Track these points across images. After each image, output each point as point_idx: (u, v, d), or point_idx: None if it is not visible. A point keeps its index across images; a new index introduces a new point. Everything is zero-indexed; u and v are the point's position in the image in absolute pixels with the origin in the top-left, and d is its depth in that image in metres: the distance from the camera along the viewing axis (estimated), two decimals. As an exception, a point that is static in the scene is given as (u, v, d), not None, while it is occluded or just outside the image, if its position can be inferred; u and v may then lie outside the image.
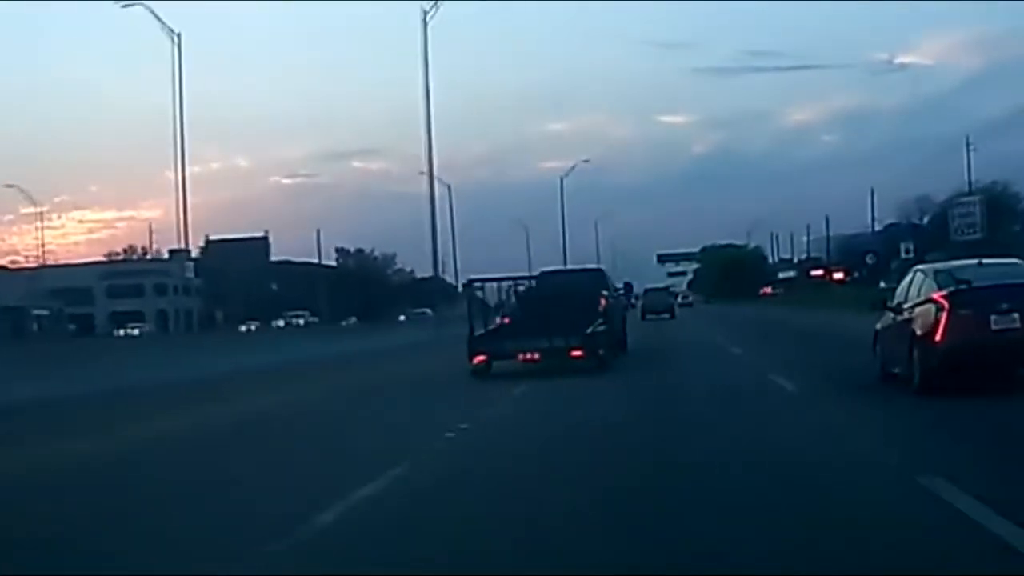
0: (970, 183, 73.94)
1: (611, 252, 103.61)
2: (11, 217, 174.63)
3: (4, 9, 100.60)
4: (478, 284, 23.77)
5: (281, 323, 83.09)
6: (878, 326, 14.31)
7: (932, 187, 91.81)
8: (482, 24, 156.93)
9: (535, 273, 28.97)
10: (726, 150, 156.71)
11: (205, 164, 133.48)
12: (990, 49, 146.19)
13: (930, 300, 11.97)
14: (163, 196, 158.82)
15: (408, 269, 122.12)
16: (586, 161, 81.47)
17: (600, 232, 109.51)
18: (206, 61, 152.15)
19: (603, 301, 21.29)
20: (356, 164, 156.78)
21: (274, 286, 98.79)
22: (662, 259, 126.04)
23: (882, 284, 78.83)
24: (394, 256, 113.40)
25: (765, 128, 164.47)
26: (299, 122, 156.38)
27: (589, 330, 19.21)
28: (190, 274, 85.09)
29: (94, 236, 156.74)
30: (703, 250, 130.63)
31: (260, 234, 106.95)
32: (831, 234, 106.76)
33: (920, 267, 13.92)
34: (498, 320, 22.50)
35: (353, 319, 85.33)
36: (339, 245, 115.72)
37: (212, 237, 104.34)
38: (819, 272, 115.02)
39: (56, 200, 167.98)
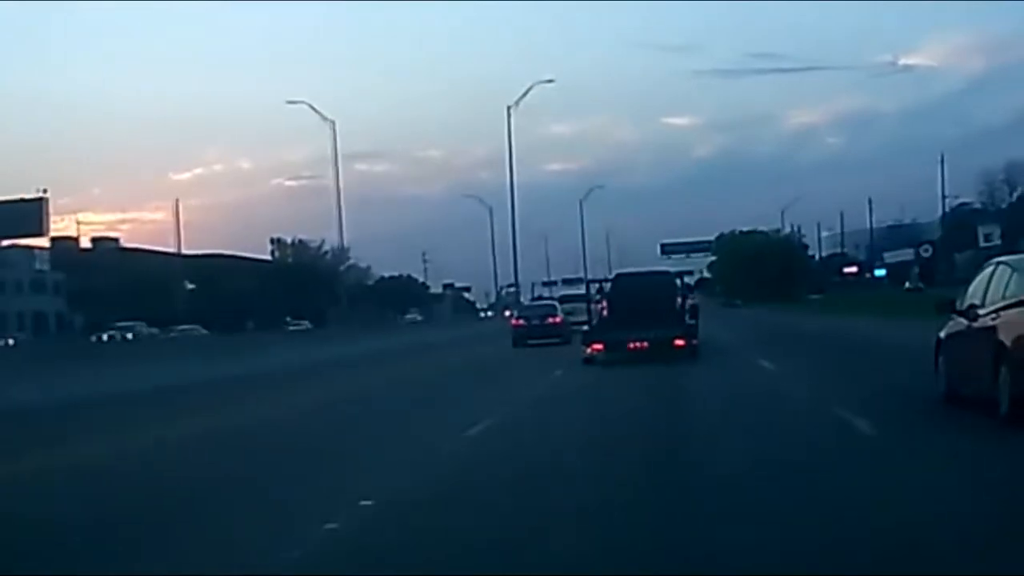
0: None
1: (605, 244, 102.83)
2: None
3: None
4: (595, 284, 33.00)
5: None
6: (942, 334, 13.50)
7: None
8: (482, 26, 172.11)
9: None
10: (731, 152, 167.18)
11: (208, 166, 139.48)
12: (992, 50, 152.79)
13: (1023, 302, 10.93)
14: (166, 199, 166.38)
15: (364, 265, 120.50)
16: (549, 81, 75.18)
17: (598, 226, 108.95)
18: (206, 62, 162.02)
19: (681, 299, 28.03)
20: (359, 167, 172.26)
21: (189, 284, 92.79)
22: (667, 250, 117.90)
23: (907, 285, 77.69)
24: (347, 250, 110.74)
25: (769, 129, 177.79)
26: (302, 124, 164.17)
27: (686, 323, 26.39)
28: (43, 266, 71.29)
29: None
30: (719, 238, 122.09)
31: (31, 196, 69.61)
32: (874, 225, 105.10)
33: (1003, 259, 12.80)
34: (598, 316, 29.04)
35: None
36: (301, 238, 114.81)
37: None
38: (852, 269, 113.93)
39: (59, 202, 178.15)
